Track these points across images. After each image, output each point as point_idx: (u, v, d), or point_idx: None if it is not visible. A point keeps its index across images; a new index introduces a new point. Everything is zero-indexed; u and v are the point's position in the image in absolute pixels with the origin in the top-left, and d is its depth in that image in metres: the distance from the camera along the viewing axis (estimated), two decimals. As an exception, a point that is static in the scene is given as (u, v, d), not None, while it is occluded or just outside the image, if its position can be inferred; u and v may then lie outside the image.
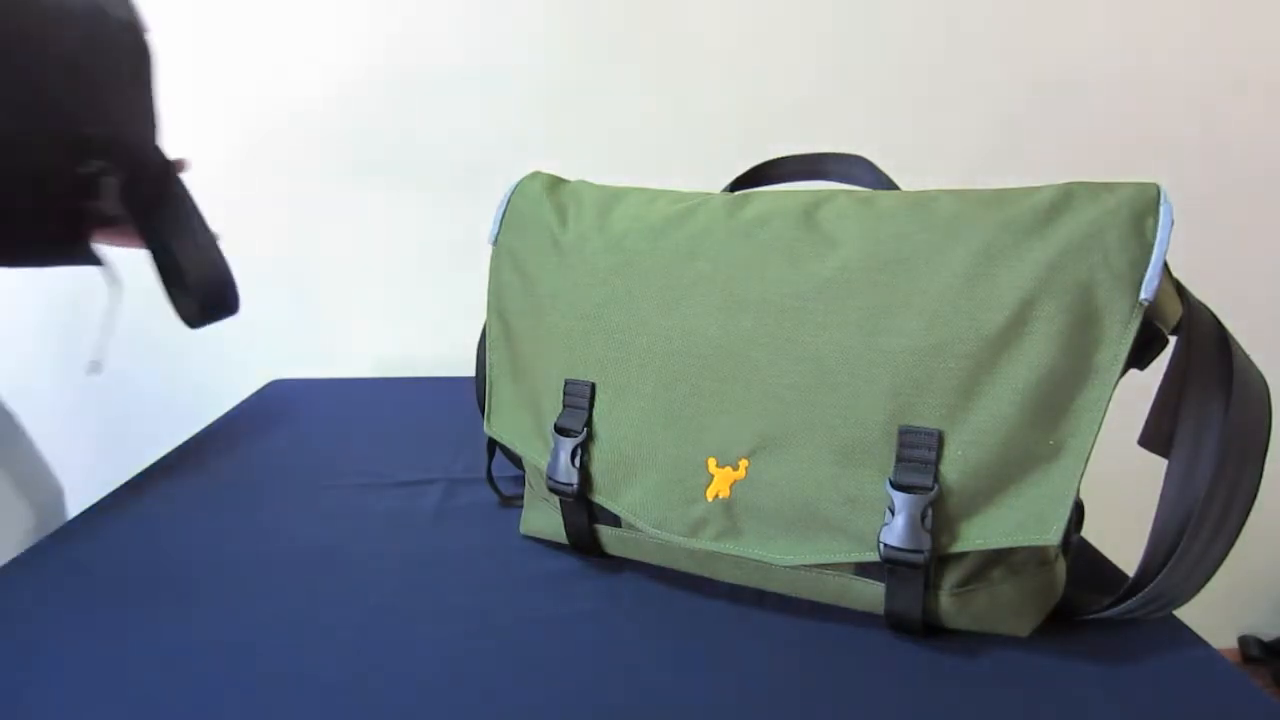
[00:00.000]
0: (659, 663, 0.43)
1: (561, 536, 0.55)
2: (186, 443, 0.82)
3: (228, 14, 1.10)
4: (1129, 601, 0.43)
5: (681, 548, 0.50)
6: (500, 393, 0.58)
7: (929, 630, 0.45)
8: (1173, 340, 0.44)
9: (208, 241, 0.65)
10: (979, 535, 0.41)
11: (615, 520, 0.52)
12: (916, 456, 0.42)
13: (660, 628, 0.47)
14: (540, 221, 0.56)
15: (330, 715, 0.39)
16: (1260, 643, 1.46)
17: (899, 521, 0.41)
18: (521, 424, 0.56)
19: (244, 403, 0.98)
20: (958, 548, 0.41)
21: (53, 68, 0.57)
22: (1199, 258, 0.95)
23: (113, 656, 0.44)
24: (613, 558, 0.55)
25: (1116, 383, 0.39)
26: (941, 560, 0.42)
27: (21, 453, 0.67)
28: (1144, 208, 0.40)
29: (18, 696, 0.41)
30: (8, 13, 0.54)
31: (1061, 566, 0.45)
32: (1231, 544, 0.41)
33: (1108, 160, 1.21)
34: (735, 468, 0.46)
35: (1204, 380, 0.42)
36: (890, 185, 0.53)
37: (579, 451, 0.51)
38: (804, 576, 0.47)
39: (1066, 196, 0.42)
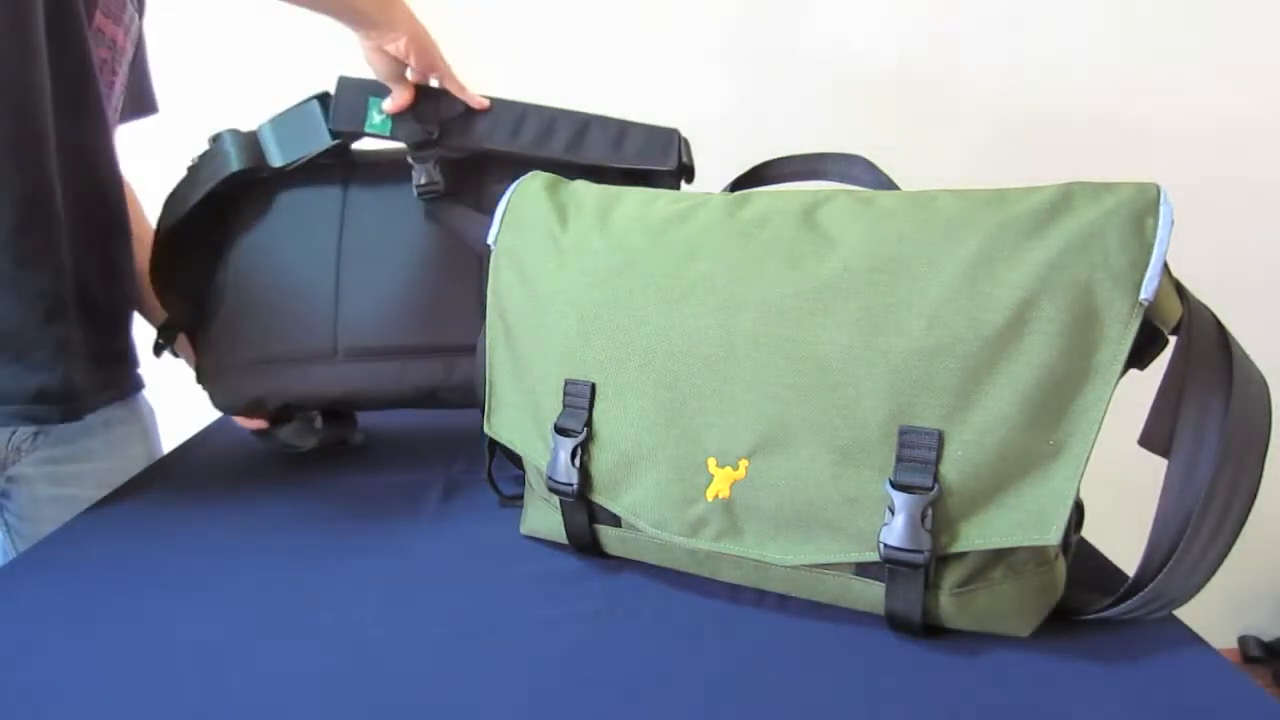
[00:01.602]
0: (659, 663, 0.43)
1: (561, 536, 0.55)
2: (186, 442, 0.82)
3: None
4: (1129, 601, 0.43)
5: (681, 548, 0.50)
6: (500, 393, 0.58)
7: (929, 630, 0.45)
8: (1173, 340, 0.44)
9: None
10: (979, 535, 0.41)
11: (615, 520, 0.52)
12: (916, 456, 0.42)
13: (660, 628, 0.47)
14: (540, 221, 0.56)
15: (329, 715, 0.39)
16: (1260, 643, 1.46)
17: (899, 521, 0.41)
18: (521, 424, 0.56)
19: (244, 403, 0.98)
20: (958, 547, 0.41)
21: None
22: (1199, 258, 0.95)
23: (111, 655, 0.44)
24: (613, 557, 0.55)
25: (1116, 383, 0.39)
26: (941, 560, 0.42)
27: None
28: (1144, 208, 0.40)
29: (18, 695, 0.41)
30: None
31: (1061, 566, 0.45)
32: (1231, 544, 0.41)
33: (1108, 160, 1.21)
34: (735, 468, 0.46)
35: (1204, 380, 0.42)
36: (890, 185, 0.53)
37: (579, 451, 0.51)
38: (804, 576, 0.46)
39: (1066, 196, 0.42)
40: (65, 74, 0.61)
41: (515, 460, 0.65)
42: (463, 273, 0.67)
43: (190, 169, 0.68)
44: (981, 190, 0.45)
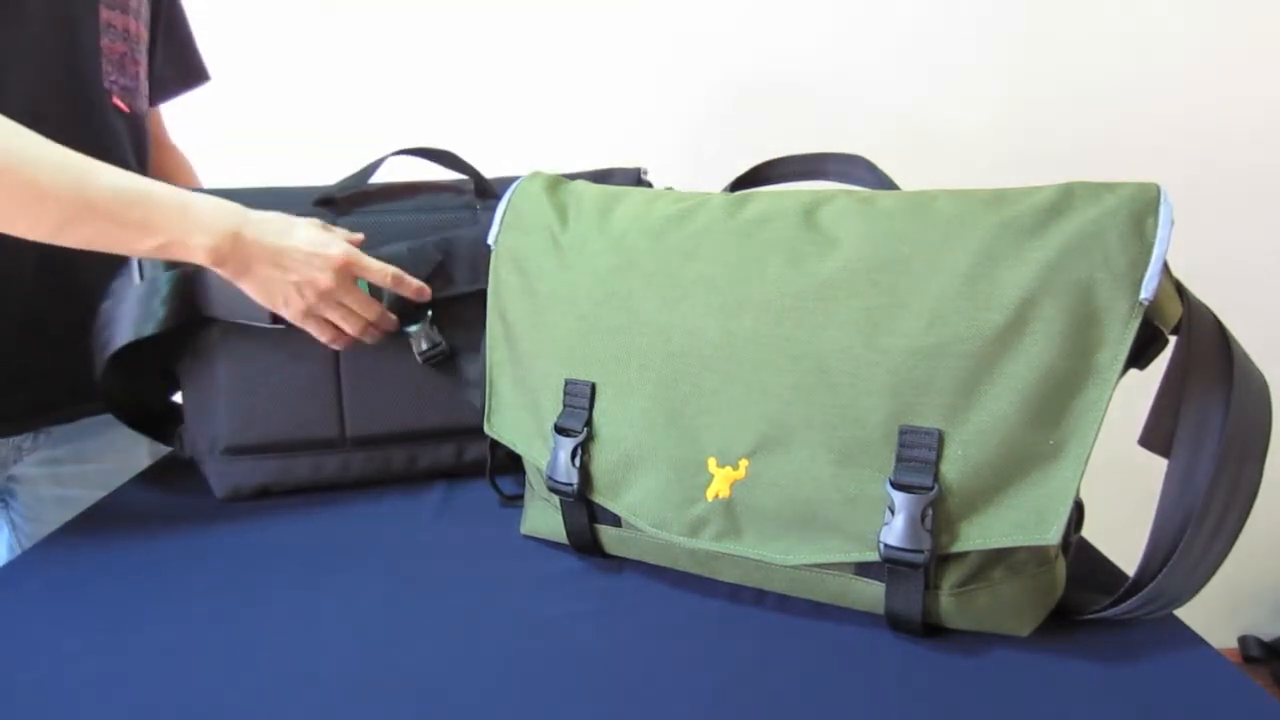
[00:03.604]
0: (659, 663, 0.43)
1: (562, 536, 0.55)
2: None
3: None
4: (1129, 601, 0.43)
5: (682, 547, 0.50)
6: (500, 393, 0.58)
7: (929, 630, 0.45)
8: (1173, 340, 0.44)
9: None
10: (979, 535, 0.41)
11: (615, 520, 0.52)
12: (916, 456, 0.42)
13: (660, 628, 0.47)
14: (541, 221, 0.56)
15: (330, 714, 0.39)
16: (1260, 643, 1.46)
17: (899, 521, 0.41)
18: (521, 424, 0.56)
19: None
20: (958, 547, 0.41)
21: None
22: (1199, 258, 0.95)
23: (112, 655, 0.44)
24: (613, 557, 0.55)
25: (1116, 383, 0.39)
26: (942, 560, 0.42)
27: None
28: (1144, 208, 0.40)
29: (19, 694, 0.41)
30: None
31: (1061, 566, 0.45)
32: (1232, 544, 0.41)
33: (1108, 160, 1.21)
34: (735, 467, 0.46)
35: (1204, 380, 0.42)
36: (890, 185, 0.53)
37: (579, 451, 0.51)
38: (804, 576, 0.46)
39: (1067, 196, 0.42)
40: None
41: (516, 460, 0.65)
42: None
43: (118, 292, 0.63)
44: (981, 190, 0.45)
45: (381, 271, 0.61)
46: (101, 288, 0.64)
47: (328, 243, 0.58)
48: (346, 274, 0.58)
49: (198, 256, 0.55)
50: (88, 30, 0.64)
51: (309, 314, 0.59)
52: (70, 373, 0.66)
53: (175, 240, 0.53)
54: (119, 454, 0.73)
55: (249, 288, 0.58)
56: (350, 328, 0.61)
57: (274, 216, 0.58)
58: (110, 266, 0.64)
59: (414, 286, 0.62)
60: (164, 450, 0.80)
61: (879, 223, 0.45)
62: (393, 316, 0.64)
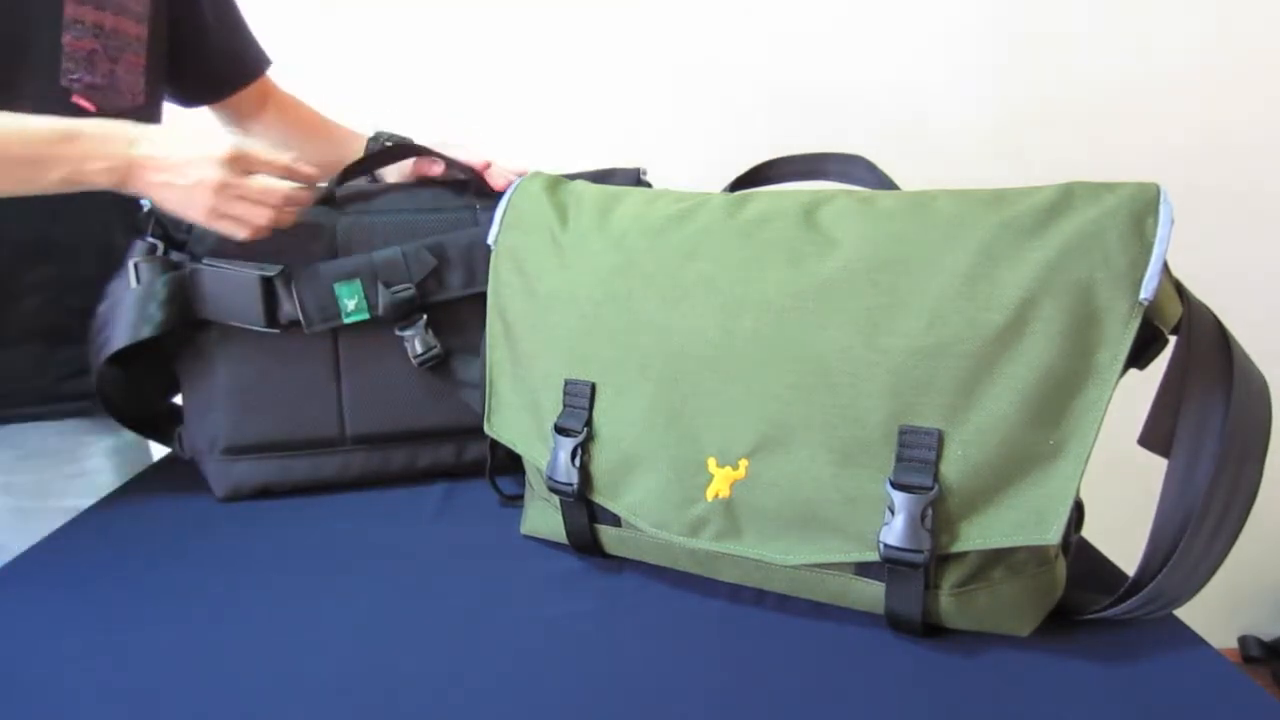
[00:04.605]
0: (659, 663, 0.43)
1: (562, 536, 0.55)
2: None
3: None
4: (1129, 601, 0.43)
5: (682, 547, 0.50)
6: (500, 392, 0.58)
7: (929, 630, 0.45)
8: (1173, 340, 0.44)
9: None
10: (979, 535, 0.41)
11: (615, 520, 0.52)
12: (916, 456, 0.42)
13: (660, 628, 0.47)
14: (541, 221, 0.56)
15: (330, 715, 0.39)
16: (1260, 643, 1.46)
17: (899, 521, 0.41)
18: (521, 424, 0.56)
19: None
20: (958, 547, 0.41)
21: None
22: (1199, 258, 0.95)
23: (112, 655, 0.44)
24: (613, 557, 0.55)
25: (1116, 383, 0.39)
26: (942, 560, 0.42)
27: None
28: (1144, 207, 0.40)
29: (18, 696, 0.41)
30: None
31: (1061, 566, 0.45)
32: (1232, 543, 0.41)
33: (1108, 160, 1.21)
34: (735, 467, 0.46)
35: (1204, 380, 0.42)
36: (890, 185, 0.53)
37: (579, 451, 0.51)
38: (804, 576, 0.46)
39: (1067, 196, 0.42)
40: None
41: (516, 460, 0.65)
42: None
43: (114, 295, 0.62)
44: (981, 190, 0.45)
45: (269, 160, 0.61)
46: (47, 285, 0.64)
47: (211, 141, 0.59)
48: (235, 167, 0.58)
49: (99, 180, 0.57)
50: (44, 26, 0.63)
51: (214, 213, 0.59)
52: (8, 375, 0.66)
53: (74, 170, 0.56)
54: (69, 461, 0.71)
55: (158, 201, 0.60)
56: (259, 218, 0.60)
57: (161, 129, 0.59)
58: (59, 262, 0.65)
59: (304, 173, 0.62)
60: (153, 458, 0.79)
61: (879, 223, 0.45)
62: (303, 189, 0.62)
